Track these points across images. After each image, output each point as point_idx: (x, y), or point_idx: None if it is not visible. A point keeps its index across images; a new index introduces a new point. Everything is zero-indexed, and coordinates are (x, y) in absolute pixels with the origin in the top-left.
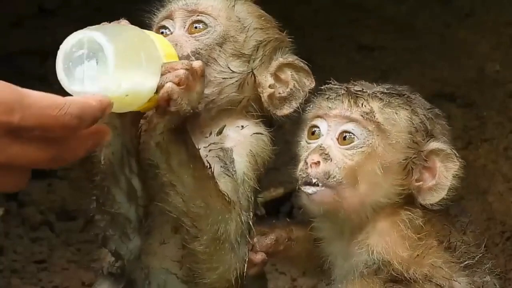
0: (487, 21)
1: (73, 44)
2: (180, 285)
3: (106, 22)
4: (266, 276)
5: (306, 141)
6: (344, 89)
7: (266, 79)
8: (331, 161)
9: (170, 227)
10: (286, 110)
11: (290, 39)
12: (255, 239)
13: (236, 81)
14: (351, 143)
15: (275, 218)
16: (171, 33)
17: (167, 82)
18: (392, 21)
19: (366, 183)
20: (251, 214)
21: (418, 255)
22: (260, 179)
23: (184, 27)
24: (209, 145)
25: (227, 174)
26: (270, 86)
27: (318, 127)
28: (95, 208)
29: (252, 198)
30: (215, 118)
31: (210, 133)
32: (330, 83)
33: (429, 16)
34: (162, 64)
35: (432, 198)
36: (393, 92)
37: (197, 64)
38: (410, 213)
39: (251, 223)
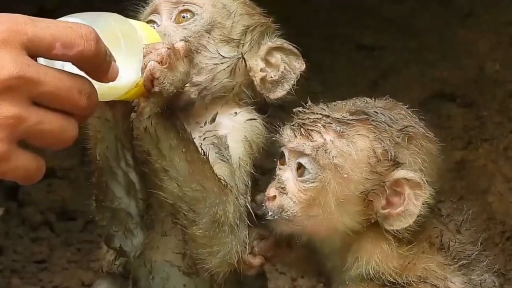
0: (487, 21)
1: None
2: (183, 277)
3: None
4: (266, 275)
5: (278, 165)
6: (298, 121)
7: (257, 63)
8: (286, 195)
9: (171, 219)
10: (279, 92)
11: (278, 27)
12: (254, 243)
13: (228, 66)
14: (304, 175)
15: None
16: (159, 26)
17: (149, 62)
18: (392, 21)
19: (323, 216)
20: (249, 198)
21: (409, 262)
22: (256, 164)
23: (171, 19)
24: (203, 134)
25: (222, 160)
26: (261, 70)
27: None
28: (95, 207)
29: (249, 182)
30: (209, 107)
31: (205, 123)
32: (306, 106)
33: (429, 16)
34: (144, 46)
35: (400, 224)
36: (356, 117)
37: (179, 44)
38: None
39: (249, 207)
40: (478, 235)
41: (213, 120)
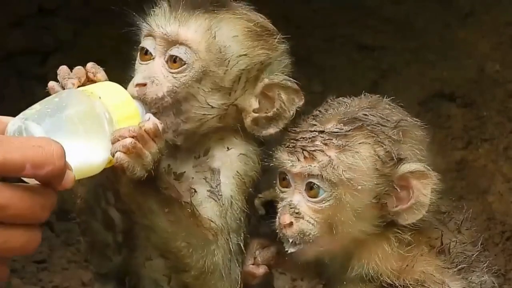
0: (487, 21)
1: (14, 130)
2: None
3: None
4: (272, 272)
5: (279, 188)
6: (295, 143)
7: (250, 104)
8: (303, 218)
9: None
10: (272, 129)
11: (286, 40)
12: (256, 253)
13: (217, 114)
14: (318, 196)
15: (275, 218)
16: (153, 59)
17: (116, 152)
18: (392, 21)
19: (343, 230)
20: (242, 235)
21: (407, 265)
22: (249, 200)
23: (164, 57)
24: (196, 166)
25: (213, 199)
26: (254, 111)
27: (287, 177)
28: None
29: (242, 219)
30: (200, 141)
31: (199, 156)
32: (299, 123)
33: (429, 16)
34: (112, 132)
35: (413, 217)
36: (352, 126)
37: (149, 125)
38: (397, 230)
39: (242, 245)
40: (478, 235)
41: (205, 153)
